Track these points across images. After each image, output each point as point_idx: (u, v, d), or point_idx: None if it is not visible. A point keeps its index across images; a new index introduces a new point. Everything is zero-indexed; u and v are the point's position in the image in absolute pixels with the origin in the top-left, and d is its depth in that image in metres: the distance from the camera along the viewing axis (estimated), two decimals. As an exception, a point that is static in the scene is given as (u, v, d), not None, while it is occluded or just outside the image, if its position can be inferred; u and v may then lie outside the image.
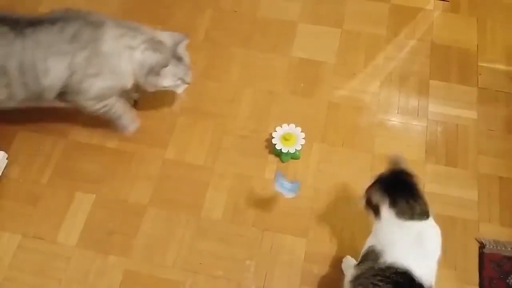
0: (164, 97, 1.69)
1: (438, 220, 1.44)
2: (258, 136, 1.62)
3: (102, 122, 1.62)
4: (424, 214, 1.15)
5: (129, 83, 1.46)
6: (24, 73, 1.37)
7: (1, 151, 1.53)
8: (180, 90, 1.53)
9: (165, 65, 1.43)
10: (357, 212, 1.43)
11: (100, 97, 1.46)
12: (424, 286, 1.09)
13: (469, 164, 1.58)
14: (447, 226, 1.47)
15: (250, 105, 1.69)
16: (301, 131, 1.56)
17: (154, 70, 1.43)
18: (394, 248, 1.13)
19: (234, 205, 1.50)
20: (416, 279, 1.08)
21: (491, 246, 1.42)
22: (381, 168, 1.51)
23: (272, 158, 1.59)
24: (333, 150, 1.60)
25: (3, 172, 1.52)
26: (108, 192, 1.52)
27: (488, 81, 1.74)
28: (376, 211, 1.19)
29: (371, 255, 1.16)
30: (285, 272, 1.40)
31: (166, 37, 1.47)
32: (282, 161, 1.57)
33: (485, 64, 1.78)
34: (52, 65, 1.37)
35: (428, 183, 1.54)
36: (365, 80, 1.75)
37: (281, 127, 1.56)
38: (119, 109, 1.53)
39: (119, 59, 1.40)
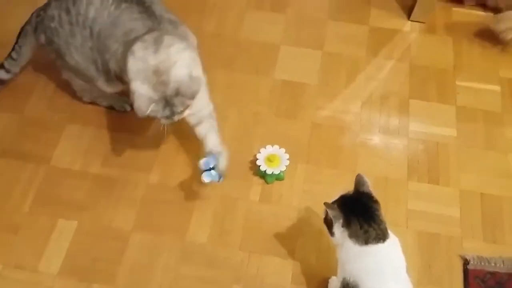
0: (147, 121, 1.69)
1: (422, 237, 1.49)
2: (242, 158, 1.63)
3: (86, 145, 1.62)
4: (380, 239, 1.14)
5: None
6: (99, 41, 1.42)
7: (-20, 179, 1.51)
8: (163, 122, 1.38)
9: (139, 106, 1.31)
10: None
11: None
12: None
13: (451, 181, 1.60)
14: (431, 243, 1.48)
15: (234, 127, 1.70)
16: (285, 152, 1.56)
17: (133, 95, 1.32)
18: (365, 278, 1.13)
19: (220, 228, 1.50)
20: None
21: (475, 262, 1.44)
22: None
23: (257, 179, 1.59)
24: (317, 171, 1.61)
25: (-18, 200, 1.50)
26: (91, 218, 1.50)
27: (466, 99, 1.79)
28: (330, 228, 1.19)
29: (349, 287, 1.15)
30: (272, 295, 1.39)
31: (176, 81, 1.31)
32: (267, 183, 1.58)
33: (462, 83, 1.83)
34: (110, 44, 1.40)
35: (411, 200, 1.55)
36: (346, 100, 1.78)
37: (265, 148, 1.57)
38: None
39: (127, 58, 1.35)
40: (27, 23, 1.59)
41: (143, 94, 1.31)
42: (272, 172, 1.53)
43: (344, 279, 1.17)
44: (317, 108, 1.75)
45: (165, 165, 1.61)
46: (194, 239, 1.47)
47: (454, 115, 1.75)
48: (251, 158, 1.61)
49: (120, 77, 1.47)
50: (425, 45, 1.93)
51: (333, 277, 1.34)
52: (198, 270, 1.42)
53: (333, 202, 1.21)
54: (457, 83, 1.83)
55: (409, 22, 1.99)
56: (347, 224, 1.15)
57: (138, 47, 1.33)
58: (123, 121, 1.69)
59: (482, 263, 1.44)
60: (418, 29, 1.97)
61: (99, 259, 1.43)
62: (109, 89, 1.59)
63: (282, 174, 1.57)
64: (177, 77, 1.30)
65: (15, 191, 1.54)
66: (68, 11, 1.45)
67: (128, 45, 1.36)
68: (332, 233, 1.19)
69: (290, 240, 1.47)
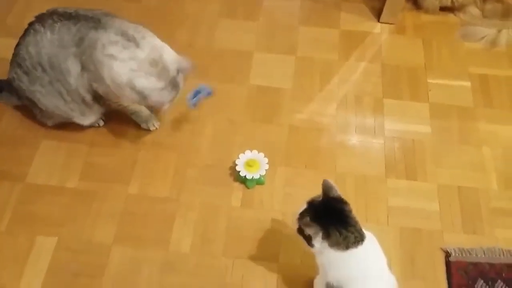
0: (123, 132, 1.68)
1: (403, 233, 1.50)
2: (222, 164, 1.62)
3: (62, 161, 1.59)
4: (359, 241, 1.14)
5: (114, 91, 1.43)
6: (54, 69, 1.43)
7: (-46, 200, 1.47)
8: (165, 107, 1.48)
9: (159, 101, 1.39)
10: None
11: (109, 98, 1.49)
12: None
13: (428, 176, 1.63)
14: (413, 238, 1.50)
15: (212, 135, 1.70)
16: (264, 157, 1.57)
17: (143, 94, 1.38)
18: (348, 281, 1.13)
19: (202, 235, 1.49)
20: None
21: (457, 254, 1.46)
22: (344, 187, 1.57)
23: (237, 185, 1.59)
24: (297, 173, 1.62)
25: (-43, 222, 1.46)
26: (70, 233, 1.48)
27: (438, 96, 1.83)
28: (308, 240, 1.16)
29: None
30: (258, 300, 1.38)
31: (172, 61, 1.40)
32: (248, 188, 1.58)
33: (433, 81, 1.87)
34: (70, 66, 1.41)
35: (391, 197, 1.57)
36: (322, 103, 1.80)
37: (244, 154, 1.57)
38: (134, 107, 1.57)
39: (101, 67, 1.38)
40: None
41: (154, 88, 1.36)
42: (252, 177, 1.53)
43: (328, 283, 1.17)
44: (294, 112, 1.76)
45: (143, 176, 1.60)
46: (177, 249, 1.46)
47: (427, 112, 1.78)
48: (231, 165, 1.61)
49: (98, 97, 1.49)
50: (396, 45, 1.97)
51: (318, 277, 1.34)
52: (182, 279, 1.41)
53: (303, 213, 1.17)
54: (429, 80, 1.87)
55: (379, 24, 2.03)
56: (327, 236, 1.14)
57: (114, 50, 1.35)
58: (98, 135, 1.67)
59: (464, 255, 1.46)
60: (388, 31, 2.02)
61: (81, 274, 1.40)
62: (86, 121, 1.61)
63: (262, 178, 1.57)
64: (171, 59, 1.38)
65: (-9, 211, 1.51)
66: (19, 65, 1.49)
67: (91, 50, 1.38)
68: (311, 245, 1.16)
69: (273, 244, 1.47)
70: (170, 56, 1.40)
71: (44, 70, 1.46)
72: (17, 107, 1.71)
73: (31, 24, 1.48)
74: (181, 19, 2.01)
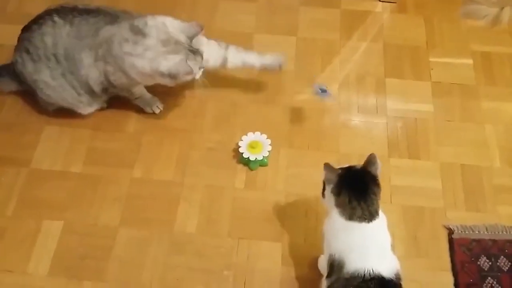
0: (127, 117, 1.68)
1: (407, 211, 1.51)
2: (224, 147, 1.63)
3: (66, 146, 1.60)
4: (366, 219, 1.14)
5: (145, 82, 1.51)
6: (68, 60, 1.47)
7: (-39, 187, 1.48)
8: (198, 76, 1.51)
9: (187, 71, 1.42)
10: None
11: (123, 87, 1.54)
12: (393, 279, 1.10)
13: (431, 155, 1.63)
14: (416, 216, 1.51)
15: (214, 118, 1.70)
16: (266, 138, 1.58)
17: (172, 74, 1.42)
18: (350, 254, 1.13)
19: (207, 217, 1.50)
20: (385, 277, 1.09)
21: (460, 231, 1.47)
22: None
23: (240, 167, 1.59)
24: (300, 154, 1.62)
25: (-36, 207, 1.47)
26: (76, 217, 1.49)
27: (440, 74, 1.82)
28: (323, 189, 1.21)
29: (334, 266, 1.15)
30: (264, 278, 1.40)
31: (179, 31, 1.44)
32: (251, 169, 1.58)
33: (435, 59, 1.86)
34: (84, 56, 1.45)
35: (394, 176, 1.58)
36: (324, 83, 1.78)
37: (247, 135, 1.58)
38: (139, 90, 1.61)
39: (123, 63, 1.43)
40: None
41: (177, 63, 1.41)
42: (256, 159, 1.54)
43: (330, 255, 1.17)
44: (296, 93, 1.76)
45: (147, 159, 1.60)
46: (182, 230, 1.47)
47: (430, 91, 1.78)
48: (234, 147, 1.62)
49: (109, 87, 1.53)
50: (397, 24, 1.96)
51: (322, 256, 1.35)
52: (188, 260, 1.42)
53: (339, 169, 1.20)
54: (431, 59, 1.86)
55: (380, 3, 2.01)
56: (337, 192, 1.16)
57: (129, 47, 1.41)
58: (102, 119, 1.67)
59: (466, 232, 1.47)
60: (390, 10, 2.00)
61: (88, 257, 1.42)
62: (89, 111, 1.63)
63: (265, 160, 1.58)
64: (177, 30, 1.43)
65: (-3, 196, 1.53)
66: (27, 50, 1.50)
67: (108, 45, 1.43)
68: (323, 195, 1.20)
69: (277, 224, 1.49)
70: (175, 28, 1.44)
71: (58, 62, 1.48)
72: (18, 93, 1.71)
73: (48, 14, 1.49)
74: (180, 1, 1.99)
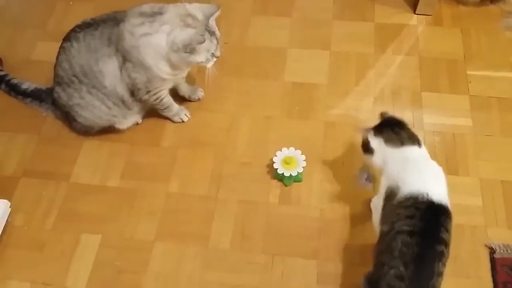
0: (162, 131, 1.71)
1: (446, 229, 1.47)
2: (259, 162, 1.63)
3: (104, 160, 1.63)
4: (415, 141, 1.26)
5: (161, 72, 1.50)
6: (87, 76, 1.51)
7: (4, 200, 1.53)
8: (210, 65, 1.52)
9: (201, 41, 1.43)
10: (364, 227, 1.45)
11: (147, 89, 1.55)
12: (443, 204, 1.17)
13: (470, 170, 1.59)
14: (456, 235, 1.44)
15: (248, 132, 1.71)
16: (301, 154, 1.57)
17: (190, 47, 1.43)
18: (405, 179, 1.19)
19: (241, 232, 1.50)
20: (435, 201, 1.15)
21: (502, 251, 1.42)
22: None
23: (275, 182, 1.59)
24: (334, 170, 1.61)
25: (7, 220, 1.52)
26: (113, 231, 1.52)
27: (479, 88, 1.78)
28: (366, 149, 1.31)
29: (390, 196, 1.21)
30: (299, 296, 1.39)
31: (197, 10, 1.46)
32: (286, 185, 1.58)
33: (473, 72, 1.81)
34: (103, 67, 1.49)
35: (432, 193, 1.54)
36: (358, 98, 1.78)
37: (281, 151, 1.58)
38: (167, 101, 1.64)
39: (138, 52, 1.45)
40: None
41: (194, 36, 1.42)
42: (290, 174, 1.53)
43: (388, 187, 1.23)
44: (329, 108, 1.75)
45: (182, 174, 1.62)
46: (217, 245, 1.48)
47: (468, 105, 1.74)
48: (268, 162, 1.62)
49: (135, 92, 1.54)
50: (433, 37, 1.93)
51: (375, 197, 1.35)
52: (222, 276, 1.42)
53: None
54: (468, 72, 1.81)
55: (415, 15, 1.98)
56: (379, 132, 1.28)
57: (144, 29, 1.43)
58: (139, 133, 1.71)
59: (509, 251, 1.42)
60: (425, 22, 1.97)
61: (124, 271, 1.44)
62: (127, 124, 1.68)
63: (300, 175, 1.57)
64: (195, 8, 1.46)
65: (38, 209, 1.57)
66: (58, 83, 1.58)
67: (121, 43, 1.45)
68: (368, 151, 1.30)
69: (312, 240, 1.47)
70: (193, 7, 1.47)
71: (80, 81, 1.53)
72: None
73: (60, 47, 1.56)
74: (215, 18, 2.02)
